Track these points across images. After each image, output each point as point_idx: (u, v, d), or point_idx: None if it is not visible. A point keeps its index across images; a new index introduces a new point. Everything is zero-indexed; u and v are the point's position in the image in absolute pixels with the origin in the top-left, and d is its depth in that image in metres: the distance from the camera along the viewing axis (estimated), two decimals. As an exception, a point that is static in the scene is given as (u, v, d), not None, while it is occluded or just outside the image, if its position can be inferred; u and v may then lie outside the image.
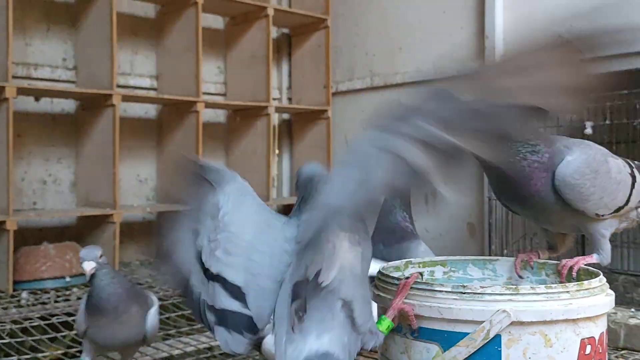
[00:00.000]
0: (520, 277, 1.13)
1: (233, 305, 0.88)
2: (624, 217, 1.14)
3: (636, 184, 1.12)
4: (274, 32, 3.49)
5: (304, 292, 0.83)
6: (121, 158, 2.68)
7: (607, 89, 1.87)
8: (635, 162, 1.21)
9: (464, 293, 0.89)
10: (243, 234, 0.94)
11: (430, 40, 3.07)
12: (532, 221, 1.23)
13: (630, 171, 1.13)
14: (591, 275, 1.01)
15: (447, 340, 0.89)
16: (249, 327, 0.88)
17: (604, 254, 1.10)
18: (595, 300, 0.91)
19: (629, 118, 1.89)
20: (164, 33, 3.07)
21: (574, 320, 0.88)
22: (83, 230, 2.75)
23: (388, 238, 1.29)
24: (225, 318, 0.89)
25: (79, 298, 2.27)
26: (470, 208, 2.88)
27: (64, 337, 1.88)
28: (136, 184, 3.12)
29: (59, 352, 1.78)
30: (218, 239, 0.93)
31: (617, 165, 1.11)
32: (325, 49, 3.38)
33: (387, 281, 0.99)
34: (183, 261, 0.96)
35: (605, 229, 1.10)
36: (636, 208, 1.16)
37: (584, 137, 1.97)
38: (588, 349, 0.90)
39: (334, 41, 3.45)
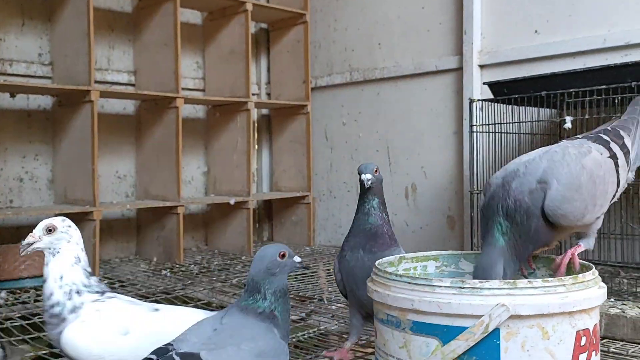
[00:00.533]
0: (533, 270, 1.15)
1: None
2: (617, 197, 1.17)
3: (619, 161, 1.14)
4: (252, 27, 3.47)
5: None
6: (99, 154, 2.65)
7: (586, 84, 1.92)
8: (611, 125, 1.23)
9: (463, 288, 0.91)
10: None
11: (409, 36, 3.09)
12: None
13: (608, 153, 1.15)
14: (584, 269, 1.03)
15: (447, 334, 0.91)
16: None
17: (591, 240, 1.13)
18: (590, 293, 0.94)
19: (607, 112, 1.94)
20: (141, 28, 3.03)
21: (570, 313, 0.91)
22: (62, 229, 2.70)
23: (369, 244, 1.27)
24: None
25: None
26: (450, 202, 2.92)
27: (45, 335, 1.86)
28: (115, 181, 3.08)
29: (43, 351, 1.76)
30: None
31: (595, 162, 1.12)
32: (304, 44, 3.38)
33: (384, 276, 1.00)
34: None
35: (600, 221, 1.13)
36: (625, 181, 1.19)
37: (564, 131, 2.02)
38: (583, 341, 0.92)
39: (312, 36, 3.45)
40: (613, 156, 1.15)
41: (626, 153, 1.18)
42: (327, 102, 3.46)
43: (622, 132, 1.21)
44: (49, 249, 1.17)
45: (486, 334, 0.88)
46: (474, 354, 0.89)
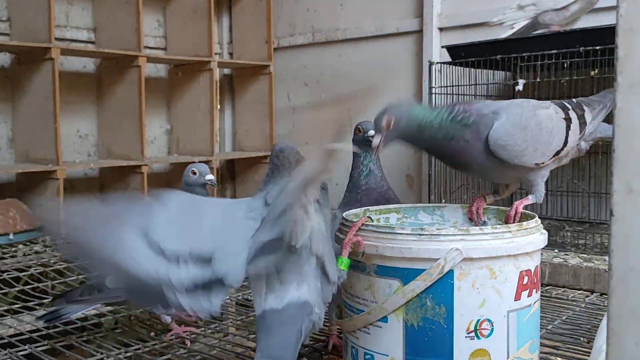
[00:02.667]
0: (484, 221, 1.25)
1: (205, 273, 0.93)
2: (564, 158, 1.27)
3: (572, 126, 1.24)
4: (213, -15, 3.45)
5: (281, 249, 0.93)
6: (60, 113, 2.63)
7: (538, 49, 2.02)
8: (577, 99, 1.33)
9: (422, 235, 1.00)
10: (200, 215, 1.00)
11: (371, -3, 3.14)
12: (480, 177, 1.35)
13: (564, 115, 1.24)
14: (528, 218, 1.14)
15: (407, 276, 1.00)
16: (221, 288, 0.95)
17: (538, 194, 1.24)
18: (532, 238, 1.04)
19: (557, 76, 2.05)
20: (101, -16, 2.99)
21: (514, 256, 1.02)
22: (24, 187, 2.70)
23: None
24: (196, 288, 0.92)
25: (25, 254, 2.27)
26: (408, 160, 3.03)
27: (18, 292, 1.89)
28: (76, 140, 3.07)
29: (2, 308, 1.78)
30: (174, 224, 0.96)
31: (548, 115, 1.21)
32: (266, 4, 3.38)
33: (348, 225, 1.09)
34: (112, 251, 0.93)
35: (545, 174, 1.23)
36: (577, 145, 1.29)
37: (516, 93, 2.13)
38: (525, 280, 1.04)
39: (275, -4, 3.45)
40: (567, 119, 1.24)
41: (582, 124, 1.27)
42: (290, 62, 3.49)
43: (584, 107, 1.29)
44: None
45: (442, 275, 0.98)
46: (431, 292, 0.99)
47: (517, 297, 1.03)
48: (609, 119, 1.24)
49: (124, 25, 2.88)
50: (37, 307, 1.74)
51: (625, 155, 0.55)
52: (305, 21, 3.42)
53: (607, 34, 1.90)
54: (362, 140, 1.33)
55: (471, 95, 2.39)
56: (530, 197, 1.24)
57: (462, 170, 1.27)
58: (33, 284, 1.92)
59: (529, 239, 1.04)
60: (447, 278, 0.99)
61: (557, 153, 1.22)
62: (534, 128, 1.17)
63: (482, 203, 1.26)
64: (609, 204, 0.56)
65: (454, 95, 2.38)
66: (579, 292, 1.80)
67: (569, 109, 1.25)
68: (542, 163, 1.20)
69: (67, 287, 1.93)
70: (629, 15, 0.54)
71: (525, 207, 1.22)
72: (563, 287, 1.85)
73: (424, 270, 1.00)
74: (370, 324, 1.06)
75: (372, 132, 1.27)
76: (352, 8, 3.21)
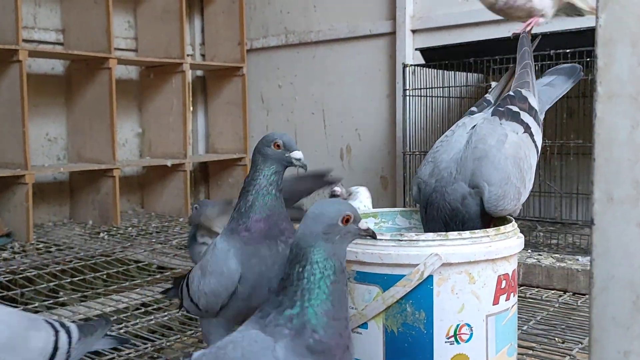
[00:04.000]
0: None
1: None
2: None
3: (532, 130, 1.24)
4: (185, -14, 3.41)
5: None
6: (29, 116, 2.57)
7: (510, 52, 2.04)
8: (513, 89, 1.31)
9: (401, 240, 1.00)
10: None
11: (344, -1, 3.14)
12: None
13: (523, 130, 1.24)
14: (505, 222, 1.15)
15: (387, 281, 1.00)
16: None
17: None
18: (510, 242, 1.06)
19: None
20: (69, -16, 2.93)
21: (492, 260, 1.02)
22: (-8, 193, 2.63)
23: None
24: None
25: (5, 259, 2.22)
26: (383, 163, 3.04)
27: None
28: (45, 144, 3.01)
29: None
30: None
31: (515, 145, 1.19)
32: (239, 5, 3.35)
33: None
34: None
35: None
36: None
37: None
38: (503, 284, 1.05)
39: (247, -3, 3.43)
40: (527, 128, 1.24)
41: (534, 114, 1.27)
42: (263, 64, 3.47)
43: (524, 92, 1.29)
44: None
45: (421, 280, 0.99)
46: (411, 298, 1.00)
47: (496, 302, 1.04)
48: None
49: (94, 26, 2.83)
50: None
51: (605, 165, 0.56)
52: (278, 23, 3.41)
53: (577, 38, 1.93)
54: (279, 158, 1.06)
55: (445, 97, 2.41)
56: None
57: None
58: (2, 292, 1.87)
59: (507, 243, 1.05)
60: (426, 283, 1.00)
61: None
62: (514, 171, 1.18)
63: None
64: (583, 206, 0.56)
65: (427, 97, 2.39)
66: (553, 292, 1.83)
67: (519, 113, 1.25)
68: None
69: (36, 294, 1.89)
70: (608, 26, 0.55)
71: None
72: (537, 287, 1.87)
73: (404, 275, 1.00)
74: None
75: (298, 154, 1.05)
76: (325, 10, 3.21)
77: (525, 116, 1.26)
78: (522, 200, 1.19)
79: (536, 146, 1.25)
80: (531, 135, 1.25)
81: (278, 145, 1.05)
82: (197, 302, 1.07)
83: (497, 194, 1.14)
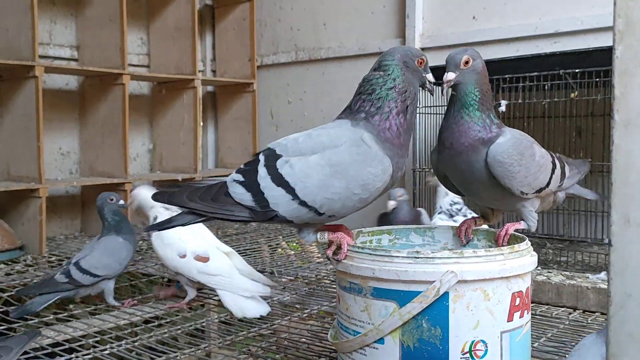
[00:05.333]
0: (468, 242, 1.27)
1: None
2: (544, 199, 1.32)
3: (555, 170, 1.29)
4: (197, 4, 3.46)
5: None
6: (43, 131, 2.61)
7: (520, 71, 2.08)
8: (558, 155, 1.40)
9: (418, 257, 1.03)
10: None
11: (354, 17, 3.19)
12: (466, 196, 1.38)
13: (551, 159, 1.30)
14: (518, 240, 1.18)
15: (403, 298, 1.03)
16: None
17: (531, 221, 1.28)
18: (524, 260, 1.08)
19: (538, 97, 2.11)
20: (84, 2, 2.98)
21: (507, 278, 1.05)
22: (6, 206, 2.66)
23: None
24: None
25: (7, 274, 2.24)
26: (391, 178, 3.06)
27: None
28: (58, 158, 3.05)
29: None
30: None
31: (541, 152, 1.28)
32: (249, 22, 3.41)
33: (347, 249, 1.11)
34: None
35: (529, 205, 1.27)
36: (554, 193, 1.34)
37: (499, 114, 2.18)
38: (517, 301, 1.07)
39: (258, 14, 3.48)
40: (553, 163, 1.31)
41: (563, 174, 1.35)
42: (273, 80, 3.52)
43: (565, 164, 1.39)
44: None
45: (437, 297, 1.01)
46: (427, 314, 1.02)
47: (510, 318, 1.06)
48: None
49: (108, 43, 2.88)
50: (21, 328, 1.72)
51: (623, 189, 0.59)
52: (288, 40, 3.46)
53: (586, 58, 1.96)
54: (418, 75, 1.21)
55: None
56: (522, 222, 1.27)
57: (454, 177, 1.29)
58: (15, 304, 1.89)
59: (520, 262, 1.08)
60: (442, 300, 1.02)
61: (540, 190, 1.26)
62: (528, 157, 1.21)
63: (472, 224, 1.29)
64: (592, 224, 0.59)
65: (438, 115, 2.42)
66: (562, 309, 1.84)
67: (554, 157, 1.32)
68: (526, 194, 1.24)
69: (47, 307, 1.90)
70: (624, 58, 0.58)
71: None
72: (547, 304, 1.88)
73: (420, 292, 1.02)
74: (367, 346, 1.08)
75: (432, 77, 1.22)
76: (335, 28, 3.26)
77: (557, 161, 1.36)
78: (513, 184, 1.20)
79: (550, 179, 1.29)
80: (552, 170, 1.31)
81: (421, 63, 1.18)
82: (323, 205, 1.08)
83: (508, 148, 1.18)
